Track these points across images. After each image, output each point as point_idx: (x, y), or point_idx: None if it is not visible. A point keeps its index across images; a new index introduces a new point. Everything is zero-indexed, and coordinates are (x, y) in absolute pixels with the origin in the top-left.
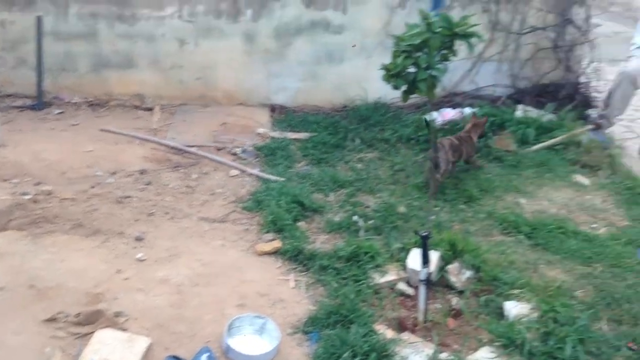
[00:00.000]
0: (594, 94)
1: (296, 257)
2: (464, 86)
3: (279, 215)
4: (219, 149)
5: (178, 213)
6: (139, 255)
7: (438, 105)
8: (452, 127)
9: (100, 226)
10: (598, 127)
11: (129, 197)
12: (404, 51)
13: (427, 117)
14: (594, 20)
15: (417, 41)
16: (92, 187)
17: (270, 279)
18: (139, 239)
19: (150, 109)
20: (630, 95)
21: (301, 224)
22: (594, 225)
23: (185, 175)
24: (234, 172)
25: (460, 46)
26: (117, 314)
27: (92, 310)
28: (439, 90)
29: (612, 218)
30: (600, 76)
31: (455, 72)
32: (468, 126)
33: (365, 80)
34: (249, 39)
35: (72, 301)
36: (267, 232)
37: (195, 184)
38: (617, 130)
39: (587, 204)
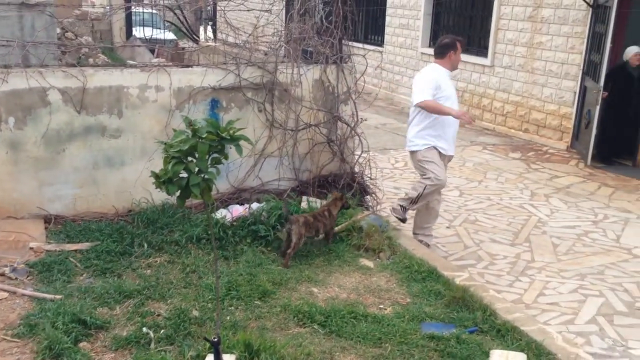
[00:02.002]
0: (368, 182)
1: None
2: (250, 182)
3: (56, 339)
4: None
5: None
6: None
7: (227, 202)
8: (241, 224)
9: None
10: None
11: None
12: (173, 157)
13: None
14: (361, 115)
15: (185, 147)
16: None
17: None
18: None
19: None
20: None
21: (83, 345)
22: (381, 306)
23: None
24: (2, 294)
25: (231, 148)
26: None
27: None
28: (227, 188)
29: (396, 297)
30: (372, 164)
31: (241, 169)
32: (328, 201)
33: (150, 183)
34: (14, 148)
35: None
36: None
37: None
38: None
39: (373, 286)
